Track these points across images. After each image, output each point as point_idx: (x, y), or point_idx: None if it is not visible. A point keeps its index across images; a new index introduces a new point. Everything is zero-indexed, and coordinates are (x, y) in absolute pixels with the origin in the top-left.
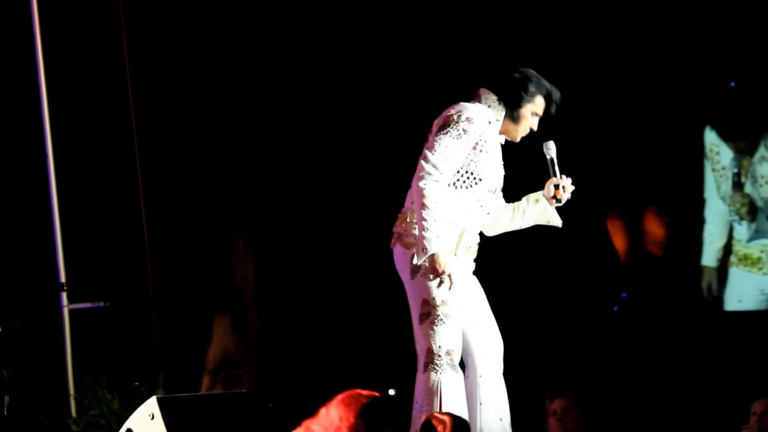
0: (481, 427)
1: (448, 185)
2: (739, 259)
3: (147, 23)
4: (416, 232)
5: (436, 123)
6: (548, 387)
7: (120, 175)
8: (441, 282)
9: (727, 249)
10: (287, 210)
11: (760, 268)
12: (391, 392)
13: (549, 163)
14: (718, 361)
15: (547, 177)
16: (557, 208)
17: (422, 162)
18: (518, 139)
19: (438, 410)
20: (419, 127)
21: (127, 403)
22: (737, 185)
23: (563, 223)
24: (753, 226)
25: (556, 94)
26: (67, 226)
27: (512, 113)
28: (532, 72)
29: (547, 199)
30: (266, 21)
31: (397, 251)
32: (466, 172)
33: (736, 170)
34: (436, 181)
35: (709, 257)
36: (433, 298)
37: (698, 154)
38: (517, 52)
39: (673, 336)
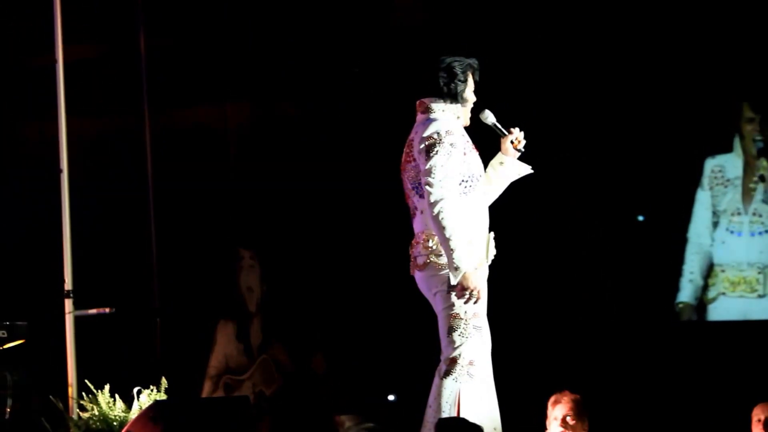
0: None
1: (460, 195)
2: (732, 283)
3: (147, 31)
4: (440, 254)
5: (419, 150)
6: (550, 393)
7: (129, 184)
8: (469, 298)
9: (706, 283)
10: (292, 222)
11: (754, 290)
12: (391, 398)
13: (493, 128)
14: (718, 367)
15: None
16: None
17: (428, 190)
18: (468, 121)
19: (454, 416)
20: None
21: (128, 406)
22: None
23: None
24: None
25: (475, 63)
26: (75, 232)
27: (461, 101)
28: (447, 58)
29: (508, 156)
30: (269, 28)
31: (423, 274)
32: (468, 177)
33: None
34: (449, 203)
35: (688, 294)
36: (465, 312)
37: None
38: (519, 56)
39: (673, 341)
